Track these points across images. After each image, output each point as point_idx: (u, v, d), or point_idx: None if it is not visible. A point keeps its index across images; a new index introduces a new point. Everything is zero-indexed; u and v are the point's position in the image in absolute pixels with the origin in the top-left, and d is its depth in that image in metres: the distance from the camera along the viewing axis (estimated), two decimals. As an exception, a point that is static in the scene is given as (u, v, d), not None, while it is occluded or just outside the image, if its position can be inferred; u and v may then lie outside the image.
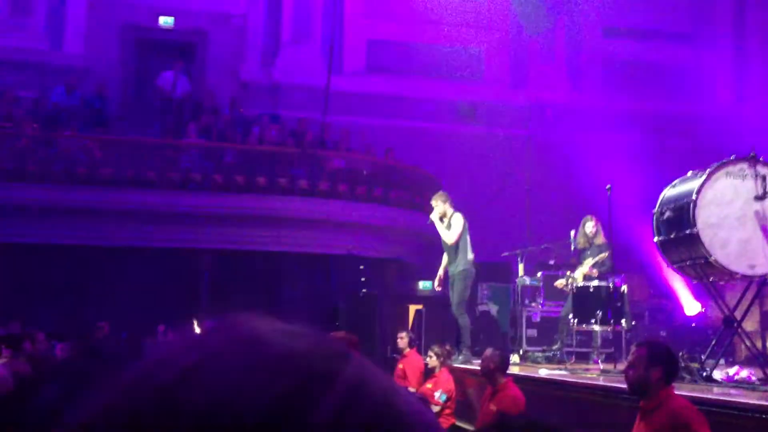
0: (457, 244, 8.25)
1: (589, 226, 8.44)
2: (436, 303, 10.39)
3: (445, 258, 8.57)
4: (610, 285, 7.64)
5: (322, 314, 10.55)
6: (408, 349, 8.54)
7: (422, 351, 8.86)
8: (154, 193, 11.73)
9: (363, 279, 10.49)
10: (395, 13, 15.64)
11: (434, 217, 8.42)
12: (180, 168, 12.24)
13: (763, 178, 5.69)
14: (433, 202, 8.50)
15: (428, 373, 7.85)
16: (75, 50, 14.79)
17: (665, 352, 3.85)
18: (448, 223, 8.33)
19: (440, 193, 8.65)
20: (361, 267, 10.61)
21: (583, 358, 8.50)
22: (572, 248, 8.80)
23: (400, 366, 8.45)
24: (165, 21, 15.58)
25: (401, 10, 15.56)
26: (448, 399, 7.23)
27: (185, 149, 12.69)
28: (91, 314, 10.50)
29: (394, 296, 12.14)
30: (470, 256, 8.31)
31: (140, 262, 11.59)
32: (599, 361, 7.61)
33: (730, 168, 5.85)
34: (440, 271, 8.65)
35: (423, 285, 11.86)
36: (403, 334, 8.77)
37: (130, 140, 12.78)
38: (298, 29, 15.67)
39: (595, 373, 6.76)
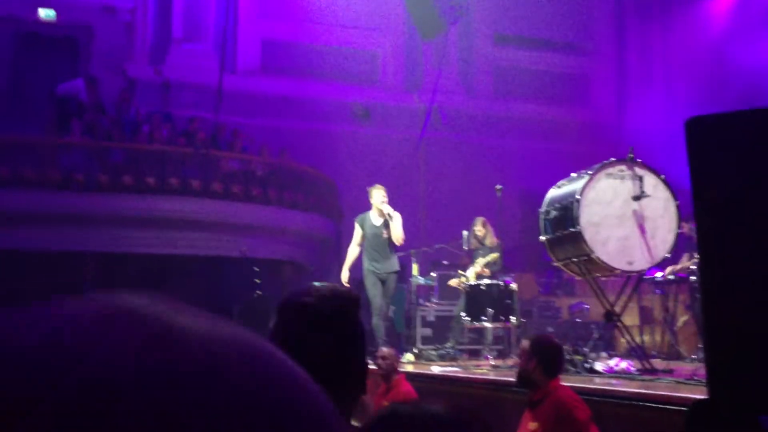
0: (395, 242, 7.92)
1: (478, 227, 8.66)
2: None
3: (353, 253, 8.04)
4: (501, 283, 7.85)
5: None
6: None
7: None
8: (32, 192, 11.09)
9: (257, 281, 10.30)
10: (291, 13, 15.50)
11: (387, 209, 7.85)
12: (61, 167, 11.63)
13: (640, 178, 5.99)
14: (382, 192, 7.95)
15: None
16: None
17: (544, 344, 3.98)
18: (389, 217, 7.87)
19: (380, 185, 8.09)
20: (256, 269, 10.42)
21: (475, 354, 8.68)
22: (465, 248, 8.98)
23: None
24: (46, 14, 14.80)
25: (297, 11, 15.44)
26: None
27: (67, 148, 12.08)
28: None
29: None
30: None
31: (16, 266, 10.91)
32: (490, 357, 7.80)
33: (611, 169, 6.13)
34: (348, 265, 8.06)
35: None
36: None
37: (7, 137, 12.04)
38: (190, 26, 15.25)
39: (485, 369, 6.91)
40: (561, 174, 6.87)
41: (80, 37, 15.13)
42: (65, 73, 14.39)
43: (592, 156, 7.84)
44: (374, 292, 7.91)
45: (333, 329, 1.61)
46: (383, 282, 7.96)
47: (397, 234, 7.89)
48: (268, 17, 15.70)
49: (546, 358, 3.89)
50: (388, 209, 7.91)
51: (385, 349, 6.13)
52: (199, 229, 11.81)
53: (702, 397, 3.44)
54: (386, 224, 7.92)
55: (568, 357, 5.50)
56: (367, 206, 8.18)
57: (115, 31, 15.05)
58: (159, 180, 11.86)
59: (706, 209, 2.95)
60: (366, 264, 8.01)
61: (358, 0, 15.56)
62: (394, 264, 8.01)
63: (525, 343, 4.08)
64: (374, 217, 8.01)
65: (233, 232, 12.02)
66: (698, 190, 3.02)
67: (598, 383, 5.06)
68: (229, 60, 15.05)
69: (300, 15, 15.45)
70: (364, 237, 8.03)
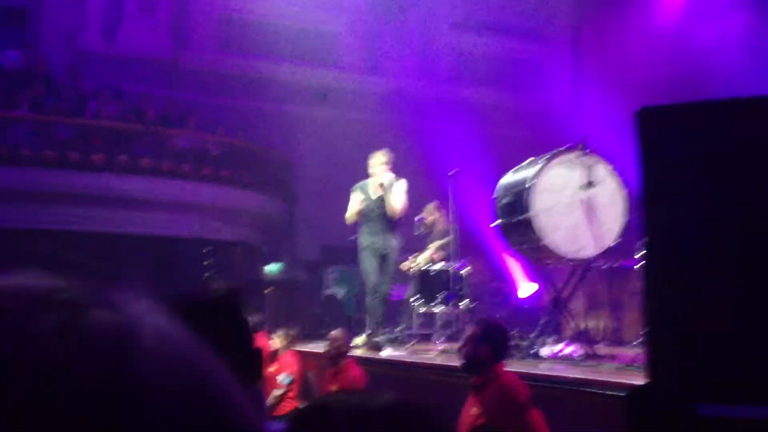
0: (389, 215, 7.15)
1: (429, 212, 8.66)
2: (281, 287, 10.28)
3: (351, 222, 7.35)
4: (451, 269, 7.88)
5: (162, 299, 10.08)
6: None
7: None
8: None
9: (207, 262, 10.16)
10: (248, -11, 15.23)
11: (383, 178, 7.07)
12: (7, 142, 11.27)
13: (591, 167, 6.06)
14: (380, 158, 7.19)
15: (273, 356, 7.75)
16: None
17: (496, 331, 3.99)
18: (382, 188, 7.09)
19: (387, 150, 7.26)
20: (205, 250, 10.28)
21: (425, 339, 8.70)
22: (417, 232, 8.98)
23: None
24: (-8, -17, 14.28)
25: (254, -12, 15.18)
26: (292, 381, 7.17)
27: (12, 122, 11.70)
28: None
29: (239, 280, 11.87)
30: None
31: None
32: (439, 342, 7.83)
33: (563, 157, 6.18)
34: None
35: (268, 269, 11.69)
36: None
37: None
38: (144, -1, 14.86)
39: (434, 354, 6.94)
40: (515, 160, 6.90)
41: (30, 8, 14.64)
42: (14, 44, 13.91)
43: (546, 143, 7.89)
44: (369, 268, 7.22)
45: (212, 323, 1.71)
46: (382, 257, 7.22)
47: (392, 205, 7.06)
48: (226, -7, 15.39)
49: (494, 343, 3.90)
50: (383, 179, 7.07)
51: (334, 332, 6.09)
52: (149, 208, 11.60)
53: (641, 383, 3.49)
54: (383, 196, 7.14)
55: (514, 343, 5.55)
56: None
57: (67, 1, 14.58)
58: (107, 157, 11.59)
59: (653, 198, 2.98)
60: (363, 239, 7.29)
61: (317, -21, 15.36)
62: (394, 239, 7.27)
63: (474, 328, 4.07)
64: (372, 188, 7.24)
65: (184, 211, 11.83)
66: (646, 179, 3.04)
67: (542, 368, 5.12)
68: (184, 35, 14.74)
69: (258, -8, 15.18)
70: (363, 207, 7.21)
